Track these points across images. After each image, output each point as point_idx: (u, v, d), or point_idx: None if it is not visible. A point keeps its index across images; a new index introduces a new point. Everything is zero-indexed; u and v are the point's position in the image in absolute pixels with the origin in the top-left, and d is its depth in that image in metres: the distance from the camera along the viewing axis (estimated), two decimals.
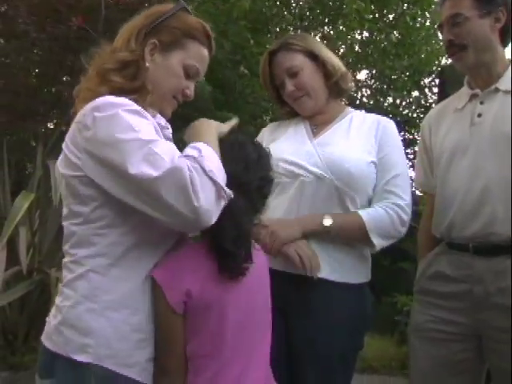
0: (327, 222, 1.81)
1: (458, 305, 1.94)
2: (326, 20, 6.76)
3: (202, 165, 1.21)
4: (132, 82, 1.38)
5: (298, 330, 1.84)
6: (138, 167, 1.19)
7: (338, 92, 2.05)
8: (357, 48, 6.87)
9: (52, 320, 1.34)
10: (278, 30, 5.72)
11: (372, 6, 6.42)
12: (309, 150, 1.90)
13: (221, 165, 1.28)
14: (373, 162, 1.89)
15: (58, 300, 1.35)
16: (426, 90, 7.98)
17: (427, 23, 7.45)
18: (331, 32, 6.83)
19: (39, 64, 5.67)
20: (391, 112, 7.51)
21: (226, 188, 1.25)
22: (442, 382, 1.97)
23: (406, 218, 1.87)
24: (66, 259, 1.37)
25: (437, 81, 7.17)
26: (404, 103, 7.89)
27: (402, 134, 8.06)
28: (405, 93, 7.69)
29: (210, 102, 5.20)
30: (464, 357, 1.94)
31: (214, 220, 1.23)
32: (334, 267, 1.84)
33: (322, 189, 1.85)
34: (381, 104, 7.60)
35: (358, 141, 1.92)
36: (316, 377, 1.80)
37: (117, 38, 1.49)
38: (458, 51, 1.99)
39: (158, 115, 1.49)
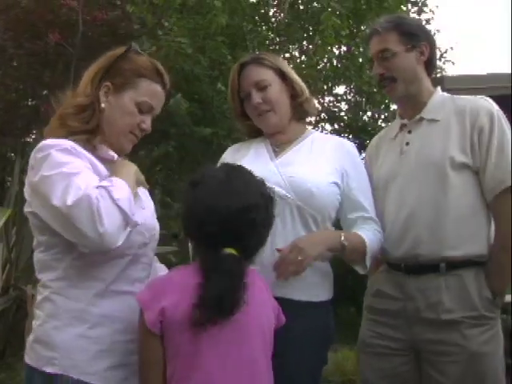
0: (345, 241, 1.84)
1: (394, 321, 2.06)
2: (305, 35, 6.87)
3: (111, 194, 1.37)
4: (87, 125, 1.57)
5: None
6: (58, 198, 1.36)
7: (301, 114, 2.08)
8: (335, 62, 6.96)
9: (30, 338, 1.52)
10: (255, 44, 5.75)
11: (350, 21, 6.55)
12: (271, 169, 1.91)
13: (130, 196, 1.42)
14: (334, 182, 1.92)
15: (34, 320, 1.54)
16: None
17: None
18: (310, 46, 6.94)
19: (17, 79, 5.68)
20: (369, 125, 7.61)
21: (132, 216, 1.40)
22: None
23: (381, 233, 2.00)
24: (38, 284, 1.56)
25: None
26: (382, 116, 7.96)
27: None
28: (383, 107, 7.79)
29: (187, 118, 5.22)
30: (404, 369, 2.06)
31: (118, 243, 1.39)
32: (301, 287, 1.84)
33: (285, 208, 1.86)
34: (359, 118, 7.68)
35: (320, 161, 1.95)
36: None
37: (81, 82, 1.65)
38: (388, 83, 2.11)
39: (111, 151, 1.60)
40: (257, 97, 1.97)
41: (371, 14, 6.73)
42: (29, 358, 1.50)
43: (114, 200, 1.36)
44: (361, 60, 6.41)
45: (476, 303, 1.94)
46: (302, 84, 2.06)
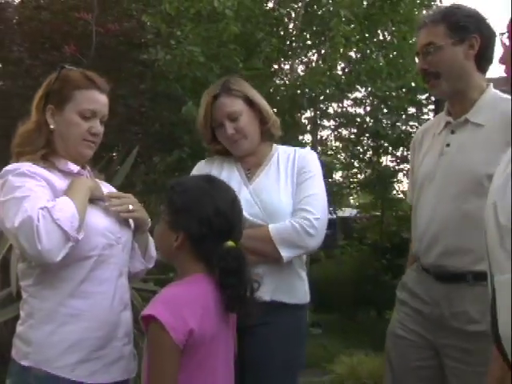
0: None
1: (421, 320, 2.07)
2: (316, 41, 6.89)
3: (51, 214, 1.56)
4: (36, 146, 1.78)
5: (250, 345, 2.00)
6: (9, 220, 1.58)
7: (268, 136, 2.27)
8: (347, 69, 6.97)
9: (14, 336, 1.75)
10: (267, 52, 5.80)
11: (362, 26, 6.55)
12: (247, 198, 2.08)
13: (73, 214, 1.60)
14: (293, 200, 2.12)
15: None
16: (423, 108, 8.04)
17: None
18: (322, 51, 6.96)
19: (34, 89, 5.78)
20: (387, 130, 7.56)
21: (72, 233, 1.58)
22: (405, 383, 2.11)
23: (313, 231, 2.05)
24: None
25: (432, 98, 7.23)
26: (400, 119, 7.86)
27: (401, 149, 8.11)
28: (402, 112, 7.71)
29: None
30: (427, 364, 2.06)
31: (58, 258, 1.58)
32: (277, 289, 2.06)
33: None
34: (377, 122, 7.61)
35: (287, 182, 2.13)
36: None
37: None
38: (432, 79, 2.05)
39: (70, 163, 1.80)
40: (230, 128, 2.14)
41: (385, 18, 6.74)
42: (13, 352, 1.72)
43: (53, 219, 1.55)
44: (374, 65, 6.38)
45: None
46: (268, 108, 2.23)
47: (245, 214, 1.97)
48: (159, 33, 5.79)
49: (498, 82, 2.03)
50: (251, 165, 2.23)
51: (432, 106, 7.72)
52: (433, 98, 7.19)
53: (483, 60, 2.03)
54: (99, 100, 1.84)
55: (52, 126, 1.80)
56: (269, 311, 1.96)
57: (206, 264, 1.60)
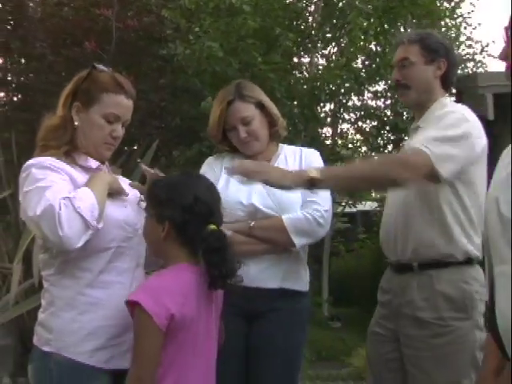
0: (251, 223, 2.19)
1: (385, 312, 2.26)
2: (336, 35, 6.87)
3: (73, 203, 1.63)
4: (61, 141, 1.83)
5: (258, 331, 2.23)
6: (32, 209, 1.64)
7: (276, 137, 2.43)
8: (367, 62, 6.94)
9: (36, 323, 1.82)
10: (285, 47, 5.80)
11: (381, 19, 6.52)
12: (261, 191, 2.23)
13: (93, 203, 1.67)
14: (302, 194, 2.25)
15: None
16: None
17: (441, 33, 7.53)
18: (343, 44, 6.95)
19: (57, 85, 5.87)
20: (406, 123, 7.52)
21: (92, 221, 1.65)
22: (381, 377, 2.28)
23: (322, 221, 2.22)
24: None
25: (453, 90, 7.18)
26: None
27: None
28: None
29: None
30: (393, 356, 2.21)
31: (78, 244, 1.64)
32: (285, 277, 2.24)
33: None
34: (397, 116, 7.56)
35: None
36: (277, 370, 2.21)
37: None
38: (402, 89, 2.31)
39: (90, 159, 1.86)
40: (243, 132, 2.30)
41: (404, 10, 6.69)
42: (34, 339, 1.79)
43: (75, 208, 1.62)
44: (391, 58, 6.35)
45: (440, 304, 2.08)
46: (277, 111, 2.40)
47: (259, 205, 2.23)
48: (178, 28, 5.84)
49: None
50: (260, 161, 2.36)
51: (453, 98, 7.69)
52: (454, 91, 7.15)
53: (447, 81, 2.29)
54: (125, 105, 1.87)
55: (76, 123, 1.84)
56: (277, 298, 2.21)
57: (190, 249, 1.71)
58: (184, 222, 1.68)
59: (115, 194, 1.87)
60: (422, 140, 2.03)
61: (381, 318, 2.29)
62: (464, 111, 2.21)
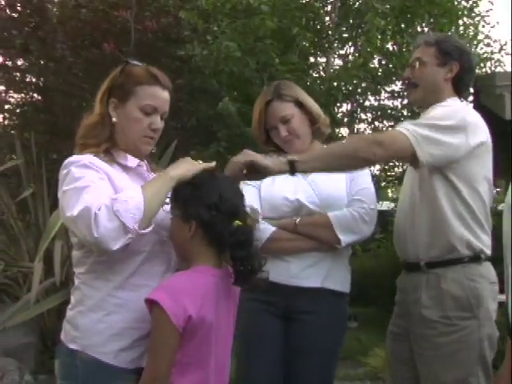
0: (296, 220, 2.20)
1: (399, 311, 2.31)
2: (353, 35, 6.87)
3: (113, 205, 1.60)
4: (100, 138, 1.82)
5: (297, 332, 2.22)
6: (70, 209, 1.63)
7: (318, 135, 2.43)
8: (384, 61, 6.92)
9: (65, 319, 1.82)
10: (302, 47, 5.81)
11: (397, 19, 6.51)
12: (306, 189, 2.28)
13: (136, 206, 1.63)
14: (347, 192, 2.30)
15: None
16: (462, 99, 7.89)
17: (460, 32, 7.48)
18: (358, 45, 6.93)
19: (76, 86, 5.96)
20: None
21: (132, 225, 1.61)
22: (399, 377, 2.31)
23: (368, 218, 2.25)
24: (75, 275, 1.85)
25: (471, 89, 7.12)
26: None
27: None
28: None
29: (237, 118, 5.35)
30: (409, 355, 2.21)
31: (114, 247, 1.60)
32: (327, 277, 2.23)
33: None
34: (416, 115, 7.52)
35: (340, 176, 2.30)
36: (315, 369, 2.22)
37: None
38: (410, 88, 2.35)
39: (129, 157, 1.84)
40: (283, 130, 2.33)
41: (422, 10, 6.66)
42: (62, 335, 1.80)
43: (113, 210, 1.59)
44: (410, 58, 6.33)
45: (446, 303, 2.09)
46: (317, 108, 2.41)
47: (304, 201, 2.24)
48: (196, 29, 5.87)
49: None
50: None
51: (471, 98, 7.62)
52: (472, 90, 7.10)
53: (460, 84, 2.30)
54: (161, 96, 1.86)
55: (114, 119, 1.83)
56: (318, 298, 2.21)
57: (217, 249, 1.72)
58: (211, 219, 1.68)
59: None
60: (405, 124, 2.09)
61: (396, 317, 2.32)
62: (463, 108, 2.25)
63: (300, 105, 2.35)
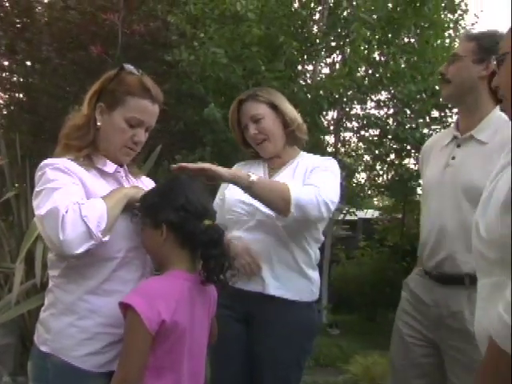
0: (253, 177, 2.07)
1: (422, 319, 2.21)
2: (340, 43, 6.91)
3: (81, 209, 1.60)
4: (83, 141, 1.82)
5: (259, 339, 2.24)
6: (39, 209, 1.64)
7: (293, 140, 2.42)
8: (370, 71, 6.97)
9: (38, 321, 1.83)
10: (288, 55, 5.83)
11: (385, 29, 6.56)
12: None
13: (101, 215, 1.64)
14: None
15: None
16: (447, 111, 7.95)
17: (445, 44, 7.54)
18: (346, 54, 6.98)
19: (62, 88, 5.95)
20: (409, 133, 7.49)
21: (96, 232, 1.61)
22: (407, 382, 2.24)
23: (324, 207, 2.13)
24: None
25: None
26: (422, 120, 7.76)
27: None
28: (425, 115, 7.64)
29: (223, 124, 5.37)
30: (427, 361, 2.18)
31: (77, 251, 1.59)
32: (287, 287, 2.23)
33: (270, 225, 2.24)
34: (400, 125, 7.53)
35: (299, 179, 2.27)
36: (274, 378, 2.22)
37: None
38: (444, 83, 2.23)
39: (108, 163, 1.83)
40: (252, 128, 2.34)
41: (408, 21, 6.72)
42: (35, 336, 1.81)
43: (81, 215, 1.59)
44: (395, 68, 6.38)
45: None
46: (293, 113, 2.40)
47: (259, 206, 2.18)
48: (184, 34, 5.88)
49: None
50: (276, 165, 2.41)
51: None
52: None
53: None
54: (149, 111, 1.84)
55: (99, 124, 1.82)
56: (274, 307, 2.22)
57: (190, 250, 1.75)
58: (180, 220, 1.71)
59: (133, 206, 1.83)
60: None
61: (414, 322, 2.23)
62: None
63: (274, 107, 2.36)
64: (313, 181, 2.20)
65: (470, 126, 2.17)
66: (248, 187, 2.04)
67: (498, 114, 2.14)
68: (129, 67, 1.85)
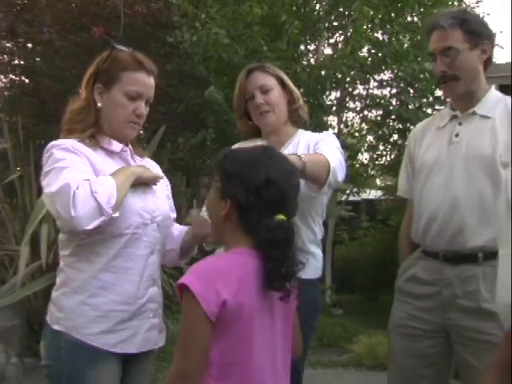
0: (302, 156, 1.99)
1: (429, 305, 2.14)
2: (343, 23, 6.85)
3: (91, 186, 1.63)
4: (85, 123, 1.85)
5: None
6: (49, 187, 1.67)
7: (295, 118, 2.40)
8: (373, 51, 6.91)
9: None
10: (291, 35, 5.79)
11: (387, 8, 6.50)
12: None
13: (111, 191, 1.66)
14: None
15: None
16: None
17: None
18: (349, 34, 6.92)
19: (64, 70, 5.91)
20: (412, 113, 7.47)
21: (107, 209, 1.64)
22: (415, 373, 2.18)
23: (342, 162, 2.18)
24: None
25: None
26: (425, 100, 7.70)
27: None
28: (429, 95, 7.59)
29: (225, 105, 5.36)
30: (434, 351, 2.14)
31: (88, 227, 1.62)
32: None
33: None
34: (404, 104, 7.49)
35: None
36: None
37: None
38: (449, 81, 2.15)
39: (114, 142, 1.86)
40: (260, 98, 2.31)
41: (412, 0, 6.66)
42: (47, 316, 1.83)
43: (91, 191, 1.63)
44: (398, 47, 6.33)
45: None
46: (298, 92, 2.40)
47: None
48: (185, 14, 5.84)
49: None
50: (275, 144, 2.29)
51: None
52: None
53: (489, 63, 2.18)
54: (146, 82, 1.87)
55: (99, 104, 1.85)
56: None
57: (253, 238, 1.47)
58: (248, 204, 1.45)
59: (144, 184, 1.87)
60: None
61: (417, 311, 2.17)
62: None
63: (282, 82, 2.36)
64: (323, 150, 2.18)
65: (469, 106, 2.18)
66: (302, 170, 1.94)
67: (493, 91, 2.20)
68: (119, 46, 1.89)
